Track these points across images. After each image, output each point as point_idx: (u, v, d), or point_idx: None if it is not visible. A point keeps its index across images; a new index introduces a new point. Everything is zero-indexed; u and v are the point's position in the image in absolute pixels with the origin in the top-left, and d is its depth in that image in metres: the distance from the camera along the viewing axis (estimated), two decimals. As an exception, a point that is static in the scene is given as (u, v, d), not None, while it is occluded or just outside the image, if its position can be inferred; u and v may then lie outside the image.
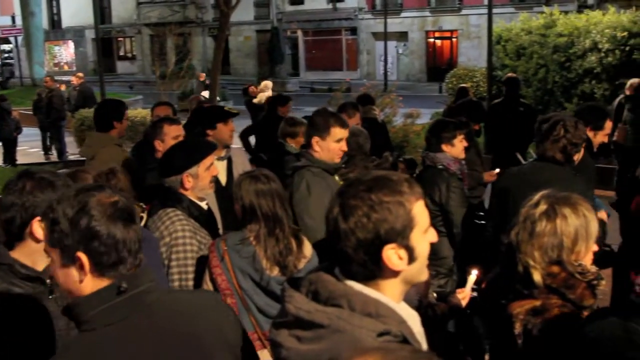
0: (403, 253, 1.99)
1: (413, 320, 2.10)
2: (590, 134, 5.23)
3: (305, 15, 47.55)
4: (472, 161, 6.94)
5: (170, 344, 2.15)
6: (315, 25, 47.94)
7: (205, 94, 19.53)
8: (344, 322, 1.90)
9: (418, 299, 3.85)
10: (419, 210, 2.01)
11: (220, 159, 5.94)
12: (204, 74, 28.82)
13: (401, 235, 1.97)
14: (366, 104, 8.94)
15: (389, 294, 2.03)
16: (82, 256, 2.07)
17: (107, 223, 2.08)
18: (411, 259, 2.00)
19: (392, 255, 1.97)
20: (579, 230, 2.86)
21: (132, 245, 2.14)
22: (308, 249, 3.96)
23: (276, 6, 48.76)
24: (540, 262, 2.86)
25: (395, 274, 2.02)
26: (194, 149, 4.32)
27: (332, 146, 4.89)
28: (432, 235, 2.07)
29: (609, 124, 5.64)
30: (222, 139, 5.84)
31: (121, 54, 57.51)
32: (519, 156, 7.49)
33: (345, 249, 1.99)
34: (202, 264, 3.99)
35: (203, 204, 4.29)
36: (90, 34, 52.97)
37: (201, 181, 4.19)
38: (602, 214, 5.04)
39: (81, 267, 2.08)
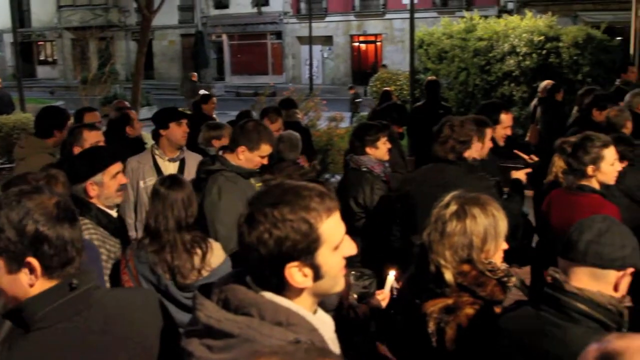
0: (308, 271, 1.96)
1: (325, 327, 2.09)
2: (489, 130, 5.38)
3: (230, 19, 47.30)
4: (395, 163, 7.04)
5: (114, 339, 2.17)
6: (241, 30, 47.75)
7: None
8: (253, 331, 1.88)
9: (339, 301, 3.89)
10: (330, 227, 1.97)
11: (172, 160, 5.97)
12: (196, 74, 28.63)
13: (305, 254, 1.94)
14: (289, 107, 9.00)
15: (300, 304, 2.02)
16: (33, 261, 2.05)
17: (54, 225, 2.06)
18: (317, 276, 1.98)
19: (295, 273, 1.95)
20: (488, 229, 2.94)
21: (78, 244, 2.14)
22: (217, 256, 3.95)
23: (201, 10, 48.37)
24: (451, 261, 2.93)
25: (301, 289, 2.00)
26: (97, 157, 4.24)
27: (256, 159, 4.98)
28: (348, 249, 2.04)
29: (505, 117, 5.82)
30: (174, 139, 5.92)
31: (42, 58, 56.04)
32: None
33: (251, 261, 1.97)
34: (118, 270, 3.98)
35: (113, 212, 4.23)
36: (8, 38, 51.30)
37: (106, 189, 4.12)
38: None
39: (31, 272, 2.06)
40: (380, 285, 4.09)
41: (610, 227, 2.63)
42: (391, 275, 3.85)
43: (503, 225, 3.00)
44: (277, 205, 1.92)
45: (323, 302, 3.70)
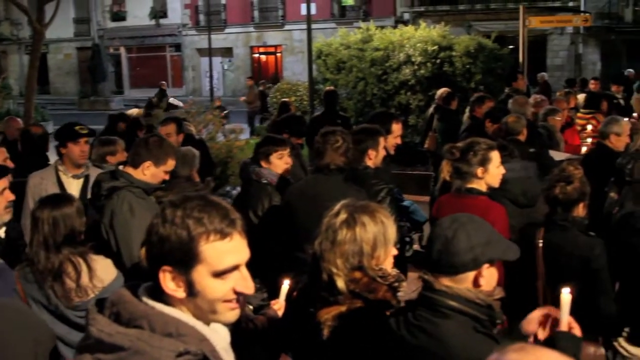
0: (181, 282, 1.97)
1: (218, 337, 2.09)
2: (382, 139, 5.49)
3: (128, 31, 46.58)
4: (296, 174, 7.05)
5: None
6: (139, 42, 47.11)
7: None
8: (144, 343, 1.88)
9: (238, 314, 3.87)
10: (214, 250, 1.95)
11: (75, 177, 5.84)
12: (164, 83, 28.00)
13: (180, 264, 1.95)
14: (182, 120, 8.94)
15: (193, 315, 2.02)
16: None
17: None
18: (191, 292, 1.98)
19: (167, 278, 1.96)
20: (377, 236, 2.99)
21: None
22: (108, 272, 3.88)
23: (97, 23, 47.48)
24: (342, 269, 2.97)
25: (182, 301, 2.00)
26: None
27: (160, 174, 4.93)
28: (240, 285, 2.01)
29: (396, 126, 5.96)
30: (72, 158, 5.83)
31: None
32: None
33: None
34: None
35: (0, 232, 4.11)
36: None
37: None
38: None
39: None
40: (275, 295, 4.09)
41: (457, 232, 2.70)
42: (285, 284, 3.85)
43: (392, 231, 3.05)
44: (177, 207, 1.95)
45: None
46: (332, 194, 4.58)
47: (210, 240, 1.94)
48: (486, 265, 2.71)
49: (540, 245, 4.35)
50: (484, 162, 4.79)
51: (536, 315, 2.92)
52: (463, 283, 2.69)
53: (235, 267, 2.00)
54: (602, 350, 4.35)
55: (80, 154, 5.86)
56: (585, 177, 4.43)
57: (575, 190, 4.31)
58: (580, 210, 4.38)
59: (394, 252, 3.08)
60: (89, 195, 5.27)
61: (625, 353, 4.25)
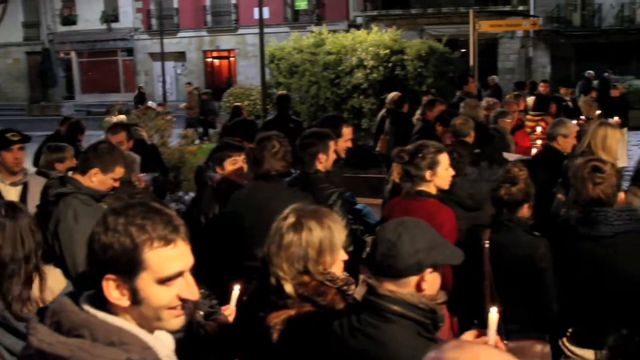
0: (125, 290, 1.96)
1: (162, 345, 2.07)
2: (333, 143, 5.52)
3: (79, 35, 45.93)
4: (249, 179, 7.05)
5: None
6: (90, 46, 46.46)
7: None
8: (85, 353, 1.86)
9: (188, 320, 3.85)
10: (158, 257, 1.94)
11: (13, 184, 5.77)
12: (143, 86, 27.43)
13: (124, 272, 1.94)
14: (133, 125, 8.89)
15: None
16: None
17: None
18: (135, 300, 1.96)
19: (111, 286, 1.95)
20: (323, 241, 3.01)
21: None
22: (58, 282, 3.82)
23: (47, 27, 46.71)
24: (289, 273, 2.98)
25: (126, 309, 1.99)
26: None
27: (108, 181, 4.89)
28: (185, 291, 2.01)
29: (346, 130, 6.00)
30: (6, 166, 5.76)
31: None
32: None
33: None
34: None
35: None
36: None
37: None
38: None
39: None
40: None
41: (401, 235, 2.70)
42: (236, 289, 3.85)
43: (339, 237, 3.07)
44: (119, 215, 1.94)
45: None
46: (276, 200, 4.62)
47: (154, 247, 1.93)
48: (429, 270, 2.71)
49: (487, 245, 4.41)
50: (433, 165, 4.86)
51: (466, 338, 2.95)
52: (406, 287, 2.69)
53: (180, 274, 1.99)
54: (548, 349, 4.43)
55: (13, 161, 5.79)
56: (530, 179, 4.50)
57: (520, 191, 4.37)
58: (525, 211, 4.45)
59: (344, 257, 3.10)
60: (28, 203, 5.19)
61: (568, 353, 4.32)
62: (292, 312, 2.97)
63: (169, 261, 1.95)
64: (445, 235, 4.67)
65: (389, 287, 2.68)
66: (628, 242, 4.04)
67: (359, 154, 14.83)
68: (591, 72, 23.80)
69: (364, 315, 2.71)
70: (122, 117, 16.68)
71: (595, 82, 22.48)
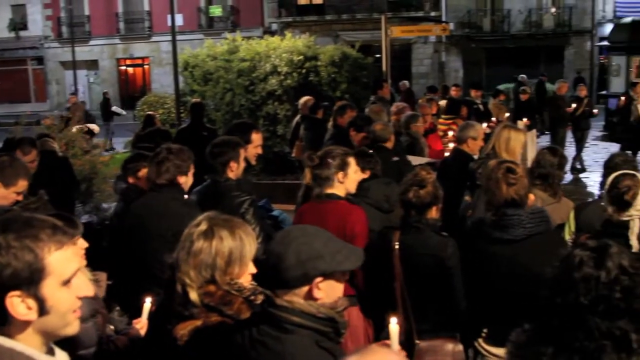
0: (31, 302, 1.92)
1: None
2: (242, 150, 5.51)
3: (-14, 45, 44.60)
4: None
5: None
6: (-3, 55, 45.16)
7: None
8: None
9: (98, 335, 3.77)
10: (58, 260, 1.95)
11: None
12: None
13: (28, 283, 1.90)
14: (41, 136, 8.69)
15: (28, 343, 1.96)
16: None
17: None
18: (42, 310, 1.94)
19: (17, 303, 1.90)
20: (233, 251, 2.98)
21: None
22: None
23: (-49, 36, 45.21)
24: (196, 280, 2.94)
25: (27, 323, 1.94)
26: None
27: (11, 196, 4.80)
28: (83, 289, 2.03)
29: (256, 136, 6.00)
30: None
31: None
32: None
33: None
34: None
35: None
36: None
37: None
38: None
39: None
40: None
41: (287, 247, 2.65)
42: (147, 302, 3.79)
43: (250, 249, 3.04)
44: (5, 232, 1.90)
45: (81, 339, 3.58)
46: (167, 210, 4.59)
47: (52, 251, 1.94)
48: (319, 279, 2.63)
49: (397, 247, 4.46)
50: (343, 166, 4.93)
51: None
52: (299, 297, 2.65)
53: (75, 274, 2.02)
54: (460, 347, 4.51)
55: None
56: (437, 181, 4.58)
57: (428, 193, 4.44)
58: (433, 213, 4.52)
59: (252, 270, 3.06)
60: None
61: (485, 353, 4.39)
62: (198, 322, 2.93)
63: (67, 262, 1.98)
64: (357, 236, 4.78)
65: (286, 297, 2.63)
66: (539, 243, 4.12)
67: (275, 161, 14.84)
68: (524, 75, 24.46)
69: (264, 326, 2.67)
70: (94, 126, 16.26)
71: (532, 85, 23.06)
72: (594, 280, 2.17)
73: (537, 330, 2.28)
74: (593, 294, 2.16)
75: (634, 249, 4.32)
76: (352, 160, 5.00)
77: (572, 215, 5.24)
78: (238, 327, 2.84)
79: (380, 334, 5.03)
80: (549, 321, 2.23)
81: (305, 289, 2.65)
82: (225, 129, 6.87)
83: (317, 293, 2.64)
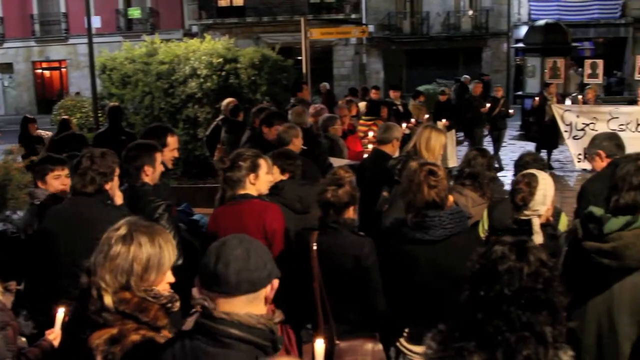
0: None
1: None
2: (159, 155, 5.46)
3: None
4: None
5: None
6: None
7: None
8: None
9: (8, 349, 3.67)
10: None
11: None
12: None
13: None
14: None
15: None
16: None
17: None
18: None
19: None
20: (151, 258, 2.94)
21: None
22: None
23: None
24: (111, 285, 2.90)
25: None
26: None
27: None
28: None
29: (172, 140, 5.96)
30: None
31: None
32: None
33: None
34: None
35: None
36: None
37: None
38: None
39: None
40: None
41: (249, 250, 2.68)
42: (60, 312, 3.72)
43: (169, 257, 3.01)
44: None
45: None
46: (93, 216, 4.51)
47: None
48: (275, 282, 2.72)
49: (315, 248, 4.48)
50: (254, 168, 4.95)
51: None
52: (254, 303, 2.65)
53: None
54: (379, 346, 4.56)
55: None
56: (355, 181, 4.62)
57: (346, 193, 4.48)
58: (350, 213, 4.56)
59: (170, 279, 3.03)
60: None
61: (406, 352, 4.44)
62: (114, 330, 2.87)
63: None
64: (277, 232, 4.82)
65: (237, 305, 2.61)
66: (458, 243, 4.18)
67: (196, 164, 14.71)
68: (467, 76, 24.82)
69: (198, 341, 2.62)
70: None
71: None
72: (518, 272, 2.26)
73: (457, 326, 2.34)
74: (517, 286, 2.24)
75: None
76: (263, 162, 5.02)
77: (485, 213, 5.35)
78: (169, 342, 2.80)
79: (300, 338, 5.07)
80: (471, 315, 2.29)
81: (264, 292, 2.68)
82: (140, 133, 6.75)
83: (271, 294, 2.70)
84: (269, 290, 2.71)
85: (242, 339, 2.56)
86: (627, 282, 3.72)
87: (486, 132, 16.88)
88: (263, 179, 5.01)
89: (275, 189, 5.33)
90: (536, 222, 4.60)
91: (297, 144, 7.14)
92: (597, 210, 3.80)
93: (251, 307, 2.64)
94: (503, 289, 2.24)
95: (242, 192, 4.96)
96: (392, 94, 16.13)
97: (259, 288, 2.66)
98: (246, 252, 2.66)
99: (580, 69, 26.16)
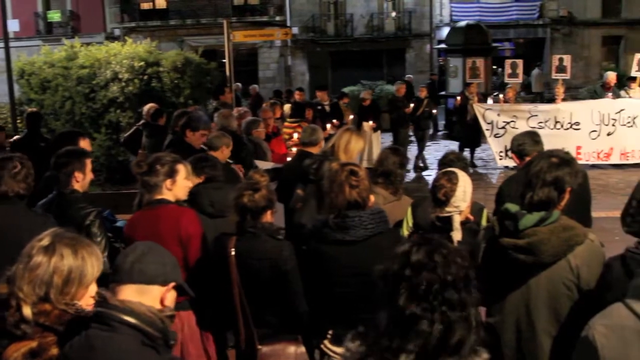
0: None
1: None
2: (89, 161, 5.35)
3: None
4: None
5: None
6: None
7: None
8: None
9: None
10: None
11: None
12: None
13: None
14: None
15: None
16: None
17: None
18: None
19: None
20: (73, 271, 2.89)
21: None
22: None
23: None
24: (30, 295, 2.83)
25: None
26: None
27: None
28: None
29: (84, 143, 5.88)
30: None
31: None
32: None
33: None
34: None
35: None
36: None
37: None
38: None
39: None
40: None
41: (152, 248, 2.87)
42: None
43: (92, 270, 2.95)
44: None
45: None
46: (15, 223, 4.38)
47: None
48: (172, 284, 2.83)
49: (233, 253, 4.44)
50: (172, 174, 4.87)
51: None
52: (146, 296, 2.76)
53: None
54: (302, 349, 4.54)
55: None
56: (271, 185, 4.60)
57: (262, 197, 4.45)
58: (268, 217, 4.53)
59: (92, 291, 2.95)
60: None
61: (330, 353, 4.42)
62: (33, 344, 2.79)
63: None
64: (192, 237, 4.79)
65: (129, 295, 2.73)
66: (379, 243, 4.18)
67: (119, 170, 14.47)
68: (410, 75, 25.06)
69: (92, 329, 2.67)
70: None
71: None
72: (431, 268, 2.32)
73: (380, 326, 2.35)
74: (430, 281, 2.29)
75: (455, 243, 4.50)
76: (181, 168, 4.94)
77: (409, 211, 5.38)
78: (68, 335, 2.77)
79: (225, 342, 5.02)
80: (396, 313, 2.31)
81: (157, 290, 2.81)
82: (51, 139, 6.60)
83: (168, 298, 2.83)
84: (164, 291, 2.82)
85: (129, 324, 2.64)
86: (543, 277, 3.78)
87: (411, 132, 17.07)
88: (181, 184, 4.93)
89: (190, 194, 5.25)
90: (457, 219, 4.66)
91: (225, 154, 7.10)
92: (513, 207, 3.85)
93: (143, 298, 2.74)
94: (421, 284, 2.29)
95: (158, 197, 4.88)
96: (318, 94, 16.14)
97: (150, 282, 2.77)
98: (148, 249, 2.85)
99: (500, 69, 26.79)
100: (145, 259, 2.79)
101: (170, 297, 2.86)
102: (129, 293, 2.73)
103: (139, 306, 2.69)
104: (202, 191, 5.48)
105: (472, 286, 2.34)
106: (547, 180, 3.81)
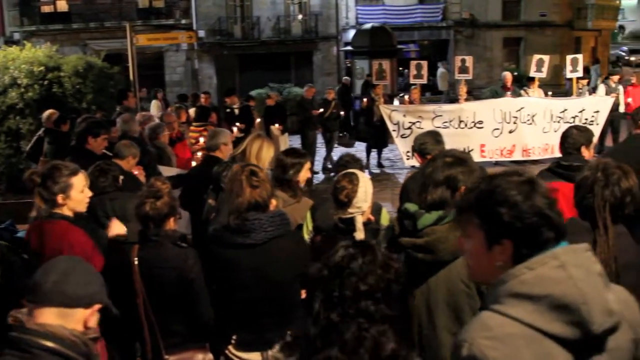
0: None
1: None
2: None
3: None
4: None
5: None
6: None
7: None
8: None
9: None
10: None
11: None
12: None
13: None
14: None
15: None
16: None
17: None
18: None
19: None
20: None
21: None
22: None
23: None
24: None
25: None
26: None
27: None
28: None
29: None
30: None
31: None
32: None
33: None
34: None
35: None
36: None
37: None
38: None
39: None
40: None
41: (76, 267, 2.70)
42: None
43: None
44: None
45: None
46: None
47: None
48: (97, 306, 2.70)
49: (136, 262, 4.37)
50: (65, 188, 4.73)
51: None
52: (70, 320, 2.61)
53: None
54: (210, 356, 4.51)
55: None
56: (172, 192, 4.55)
57: (165, 204, 4.39)
58: (171, 224, 4.48)
59: None
60: None
61: (235, 359, 4.40)
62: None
63: None
64: (77, 255, 4.59)
65: (50, 318, 2.56)
66: (278, 247, 4.17)
67: (21, 178, 13.99)
68: (347, 77, 25.00)
69: (8, 355, 2.51)
70: None
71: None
72: (370, 267, 2.26)
73: (313, 334, 2.28)
74: (372, 280, 2.23)
75: None
76: (76, 180, 4.78)
77: (308, 214, 5.37)
78: None
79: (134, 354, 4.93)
80: (327, 320, 2.23)
81: (82, 312, 2.65)
82: None
83: (92, 320, 2.68)
84: (88, 314, 2.67)
85: (50, 350, 2.50)
86: (442, 275, 3.85)
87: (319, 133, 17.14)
88: (76, 197, 4.78)
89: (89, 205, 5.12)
90: (359, 220, 4.71)
91: (130, 164, 6.98)
92: (411, 207, 3.91)
93: (65, 321, 2.59)
94: (359, 286, 2.22)
95: (53, 210, 4.76)
96: (227, 100, 15.96)
97: (73, 305, 2.61)
98: (72, 268, 2.67)
99: (406, 70, 27.24)
100: (68, 279, 2.61)
101: (94, 318, 2.72)
102: (49, 316, 2.57)
103: (61, 330, 2.53)
104: (98, 202, 5.36)
105: (395, 300, 2.26)
106: (439, 180, 3.86)
